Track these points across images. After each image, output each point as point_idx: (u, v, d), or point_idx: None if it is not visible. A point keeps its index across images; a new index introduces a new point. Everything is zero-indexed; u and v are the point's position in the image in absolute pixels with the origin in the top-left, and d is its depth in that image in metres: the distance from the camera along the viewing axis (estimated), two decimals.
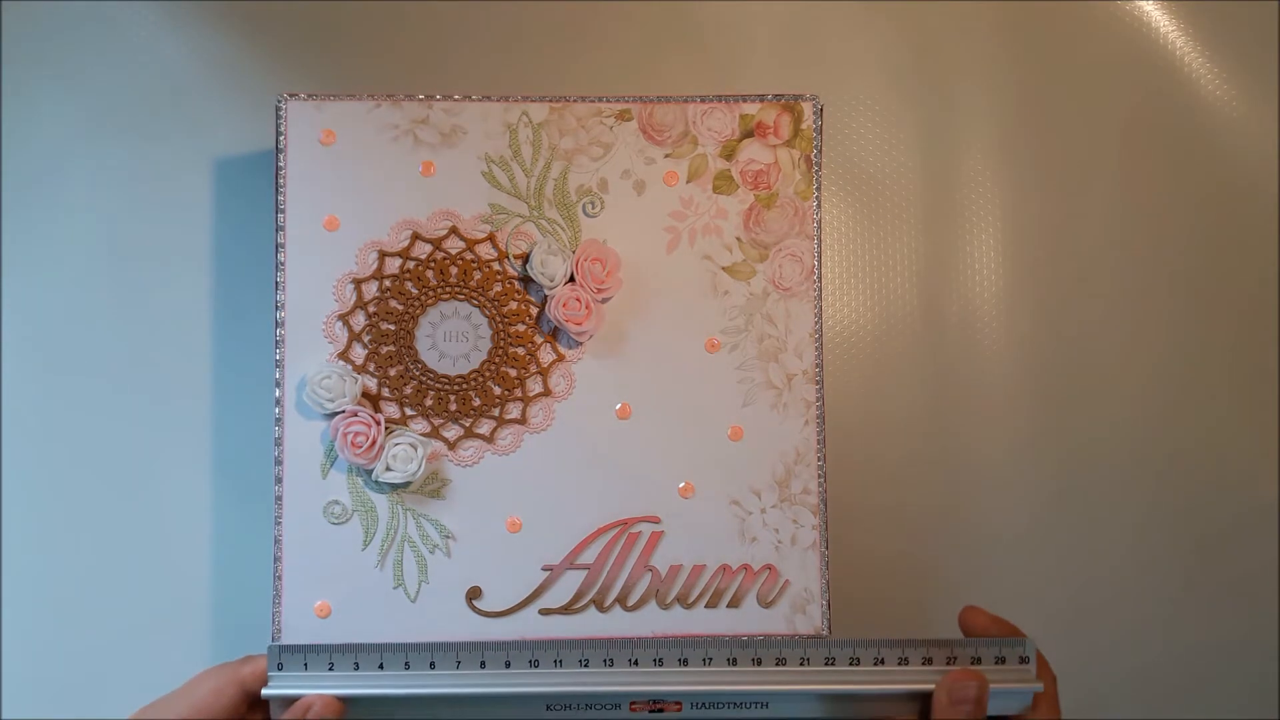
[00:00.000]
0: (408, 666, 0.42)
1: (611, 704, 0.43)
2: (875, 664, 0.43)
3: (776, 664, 0.43)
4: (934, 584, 0.53)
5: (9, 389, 0.52)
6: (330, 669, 0.42)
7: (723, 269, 0.47)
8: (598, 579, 0.46)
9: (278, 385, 0.46)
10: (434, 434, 0.46)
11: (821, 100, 0.48)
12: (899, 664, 0.43)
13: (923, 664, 0.43)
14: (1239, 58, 0.56)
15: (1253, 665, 0.54)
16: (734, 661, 0.43)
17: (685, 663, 0.43)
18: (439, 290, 0.46)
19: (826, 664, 0.43)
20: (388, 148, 0.47)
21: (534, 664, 0.43)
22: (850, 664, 0.43)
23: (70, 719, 0.51)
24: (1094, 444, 0.54)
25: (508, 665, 0.42)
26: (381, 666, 0.42)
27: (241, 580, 0.51)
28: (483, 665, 0.42)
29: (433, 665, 0.42)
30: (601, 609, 0.46)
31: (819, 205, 0.48)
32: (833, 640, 0.44)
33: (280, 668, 0.42)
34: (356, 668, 0.42)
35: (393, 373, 0.46)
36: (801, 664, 0.43)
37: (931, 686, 0.42)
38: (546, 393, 0.47)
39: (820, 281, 0.48)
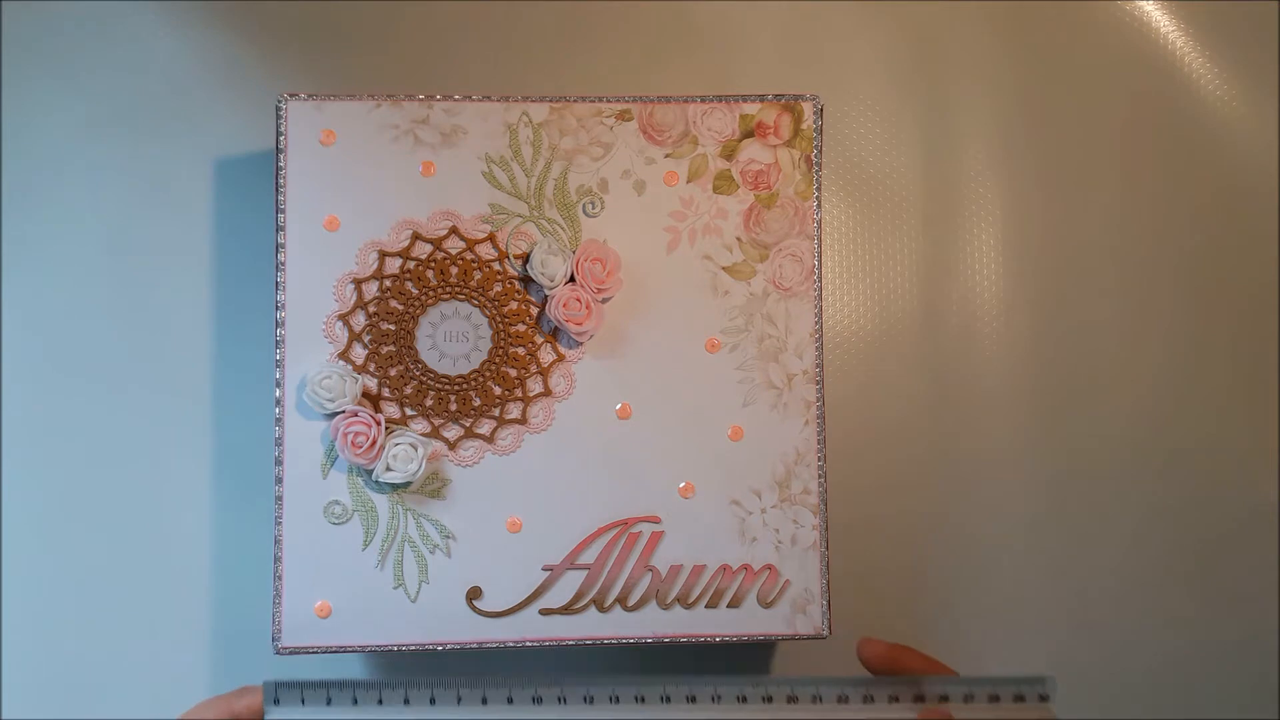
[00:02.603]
0: (407, 702, 0.41)
1: None
2: (890, 701, 0.41)
3: (764, 701, 0.41)
4: (935, 584, 0.53)
5: (9, 389, 0.52)
6: (328, 703, 0.41)
7: (723, 269, 0.47)
8: (598, 579, 0.46)
9: (278, 385, 0.46)
10: (434, 434, 0.46)
11: (821, 100, 0.48)
12: (914, 701, 0.41)
13: (940, 701, 0.41)
14: (1239, 58, 0.56)
15: (1253, 665, 0.54)
16: (765, 700, 0.41)
17: (694, 700, 0.42)
18: (439, 290, 0.46)
19: (839, 701, 0.41)
20: (388, 148, 0.47)
21: (537, 701, 0.41)
22: (864, 701, 0.41)
23: (70, 719, 0.51)
24: (1094, 444, 0.54)
25: (510, 701, 0.41)
26: (380, 701, 0.41)
27: (241, 580, 0.52)
28: (484, 701, 0.41)
29: (433, 700, 0.41)
30: (602, 609, 0.46)
31: (819, 205, 0.48)
32: (846, 679, 0.41)
33: (277, 703, 0.41)
34: (355, 703, 0.41)
35: (393, 373, 0.46)
36: (794, 701, 0.41)
37: None
38: (547, 393, 0.47)
39: (820, 281, 0.48)
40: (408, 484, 0.46)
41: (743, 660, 0.54)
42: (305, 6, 0.54)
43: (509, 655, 0.52)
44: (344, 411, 0.45)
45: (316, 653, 0.45)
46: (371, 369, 0.46)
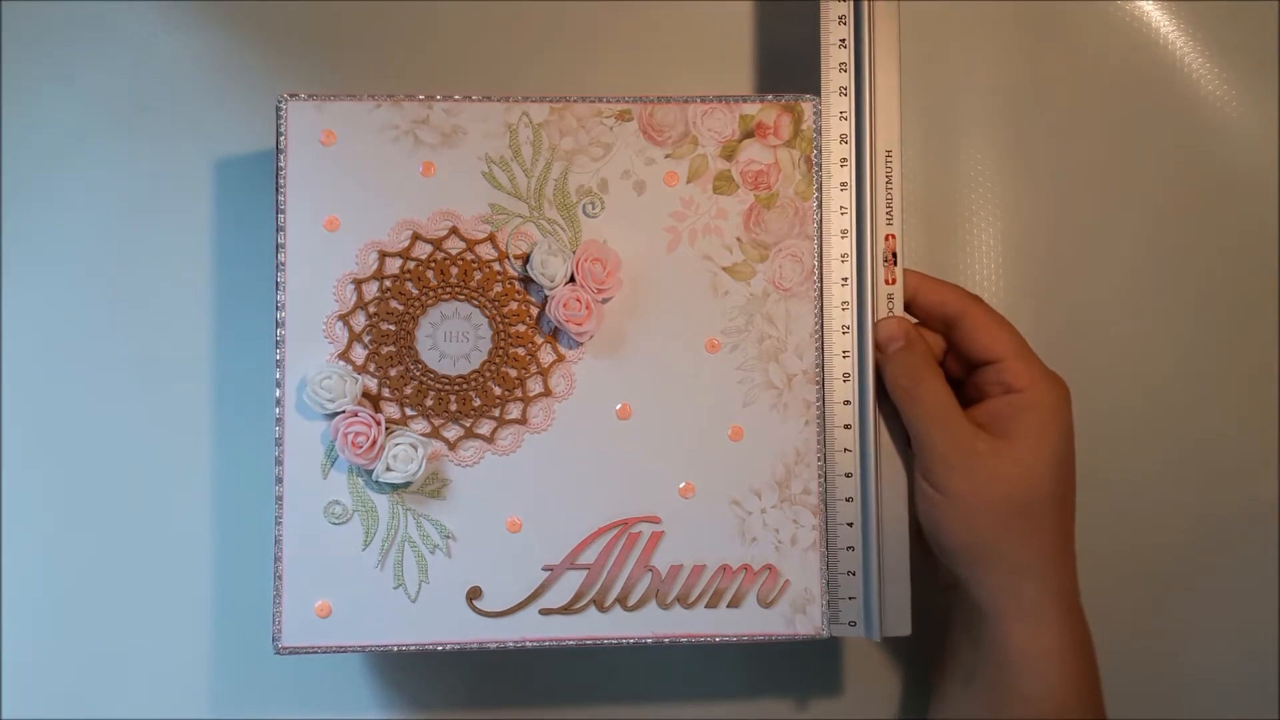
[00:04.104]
0: None
1: None
2: None
3: None
4: (934, 584, 0.52)
5: (9, 389, 0.52)
6: None
7: (723, 269, 0.47)
8: (598, 579, 0.46)
9: (278, 385, 0.46)
10: (434, 434, 0.46)
11: (821, 101, 0.48)
12: None
13: None
14: (1239, 58, 0.56)
15: (1253, 665, 0.54)
16: None
17: None
18: (439, 290, 0.47)
19: None
20: (388, 148, 0.47)
21: None
22: None
23: (70, 719, 0.51)
24: (1093, 444, 0.54)
25: None
26: None
27: (241, 580, 0.52)
28: None
29: None
30: (601, 609, 0.46)
31: (819, 205, 0.48)
32: None
33: None
34: None
35: (393, 373, 0.46)
36: None
37: None
38: (547, 393, 0.47)
39: (820, 282, 0.48)
40: (408, 484, 0.46)
41: (742, 660, 0.54)
42: (305, 6, 0.54)
43: (509, 655, 0.52)
44: (344, 412, 0.45)
45: (317, 653, 0.45)
46: (372, 369, 0.46)
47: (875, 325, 0.47)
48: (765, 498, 0.47)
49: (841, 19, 0.47)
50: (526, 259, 0.46)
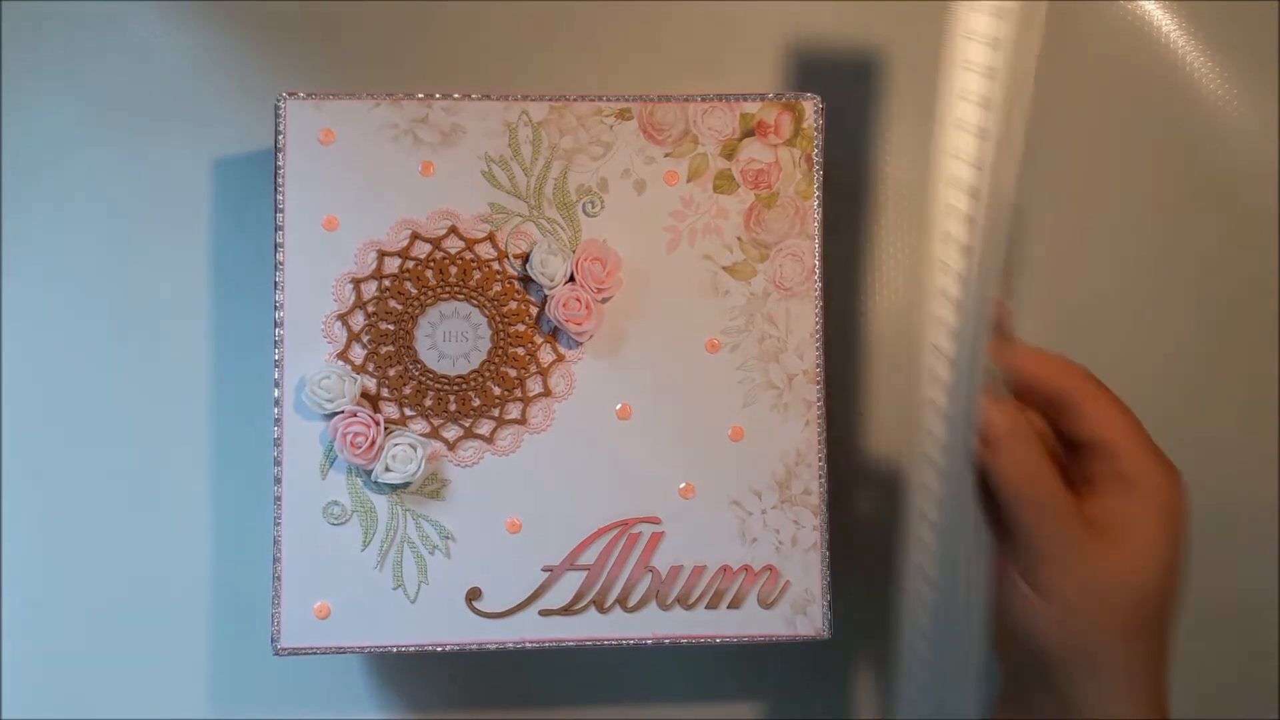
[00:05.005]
0: None
1: None
2: None
3: None
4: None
5: (8, 389, 0.52)
6: None
7: (723, 269, 0.47)
8: (598, 580, 0.46)
9: (277, 385, 0.45)
10: (433, 434, 0.46)
11: (821, 100, 0.48)
12: None
13: None
14: (1239, 58, 0.56)
15: (1253, 665, 0.54)
16: None
17: None
18: (438, 290, 0.46)
19: None
20: (387, 147, 0.46)
21: None
22: None
23: (70, 719, 0.51)
24: None
25: None
26: None
27: (241, 581, 0.51)
28: None
29: None
30: (601, 610, 0.46)
31: (820, 205, 0.48)
32: None
33: None
34: None
35: (392, 373, 0.46)
36: None
37: None
38: (546, 393, 0.47)
39: (821, 281, 0.48)
40: (407, 484, 0.45)
41: (742, 661, 0.54)
42: (305, 6, 0.54)
43: (508, 656, 0.52)
44: (343, 412, 0.45)
45: (316, 654, 0.45)
46: (370, 369, 0.46)
47: (979, 413, 0.38)
48: (765, 498, 0.47)
49: (976, 36, 0.35)
50: (526, 258, 0.46)
